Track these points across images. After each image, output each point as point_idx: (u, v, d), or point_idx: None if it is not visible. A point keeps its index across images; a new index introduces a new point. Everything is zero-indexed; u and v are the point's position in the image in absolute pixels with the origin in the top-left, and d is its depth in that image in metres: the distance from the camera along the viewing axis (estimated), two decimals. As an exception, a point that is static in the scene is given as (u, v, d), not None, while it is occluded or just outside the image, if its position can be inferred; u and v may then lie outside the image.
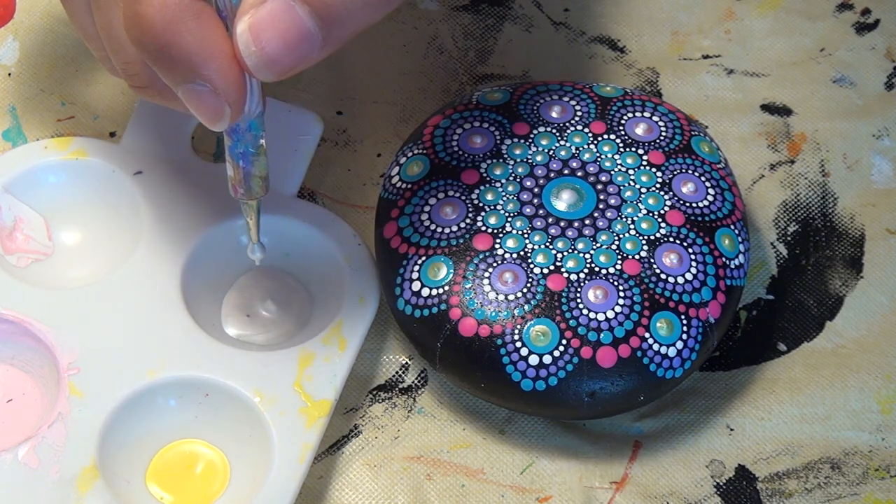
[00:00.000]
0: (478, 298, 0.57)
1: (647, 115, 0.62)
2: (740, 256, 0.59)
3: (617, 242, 0.58)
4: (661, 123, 0.61)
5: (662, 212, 0.59)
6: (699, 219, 0.59)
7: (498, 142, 0.61)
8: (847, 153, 0.66)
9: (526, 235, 0.58)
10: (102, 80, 0.67)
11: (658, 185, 0.60)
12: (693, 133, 0.62)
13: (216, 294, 0.61)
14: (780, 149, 0.66)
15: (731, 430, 0.61)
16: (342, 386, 0.58)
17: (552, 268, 0.58)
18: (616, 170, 0.60)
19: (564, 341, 0.57)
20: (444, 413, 0.61)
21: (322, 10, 0.49)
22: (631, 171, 0.60)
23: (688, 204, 0.60)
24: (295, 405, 0.58)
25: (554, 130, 0.61)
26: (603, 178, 0.60)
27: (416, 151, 0.61)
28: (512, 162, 0.60)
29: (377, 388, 0.61)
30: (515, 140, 0.61)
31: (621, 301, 0.57)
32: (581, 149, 0.61)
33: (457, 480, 0.59)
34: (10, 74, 0.67)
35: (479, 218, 0.59)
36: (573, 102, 0.62)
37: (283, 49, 0.49)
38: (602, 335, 0.57)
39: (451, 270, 0.58)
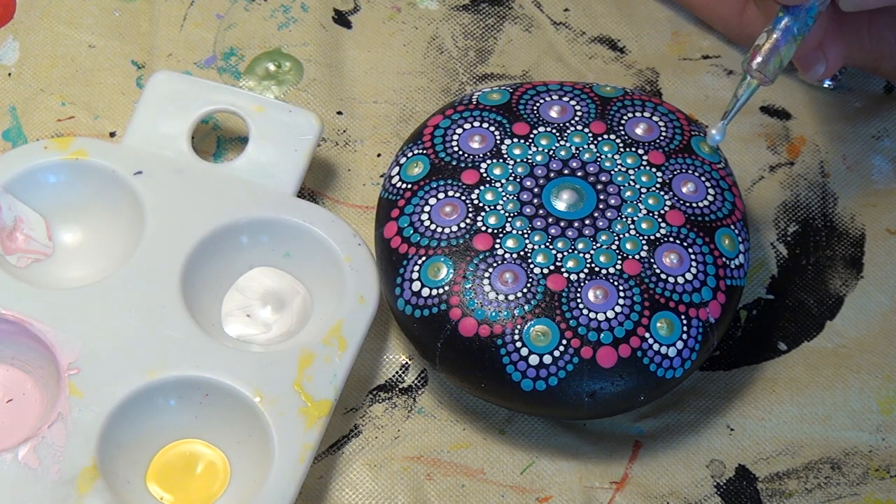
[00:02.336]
0: (478, 298, 0.57)
1: (647, 115, 0.62)
2: (740, 256, 0.59)
3: (617, 242, 0.58)
4: (661, 123, 0.61)
5: (662, 212, 0.59)
6: (699, 219, 0.59)
7: (498, 142, 0.61)
8: (847, 154, 0.66)
9: (526, 235, 0.58)
10: (102, 80, 0.67)
11: (658, 185, 0.60)
12: (693, 133, 0.62)
13: (216, 294, 0.61)
14: (780, 151, 0.66)
15: (731, 430, 0.61)
16: (342, 386, 0.58)
17: (552, 268, 0.58)
18: (616, 170, 0.60)
19: (564, 341, 0.57)
20: (444, 413, 0.61)
21: None
22: (631, 171, 0.60)
23: (688, 204, 0.60)
24: (295, 405, 0.58)
25: (554, 130, 0.61)
26: (603, 178, 0.60)
27: (416, 151, 0.61)
28: (512, 162, 0.60)
29: (377, 388, 0.61)
30: (515, 140, 0.61)
31: (621, 301, 0.57)
32: (581, 149, 0.61)
33: (457, 480, 0.59)
34: (10, 74, 0.67)
35: (479, 218, 0.59)
36: (573, 102, 0.62)
37: None
38: (602, 335, 0.57)
39: (451, 270, 0.58)
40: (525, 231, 0.59)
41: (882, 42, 0.64)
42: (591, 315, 0.57)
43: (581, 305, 0.57)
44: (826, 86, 0.66)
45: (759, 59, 0.57)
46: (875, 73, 0.67)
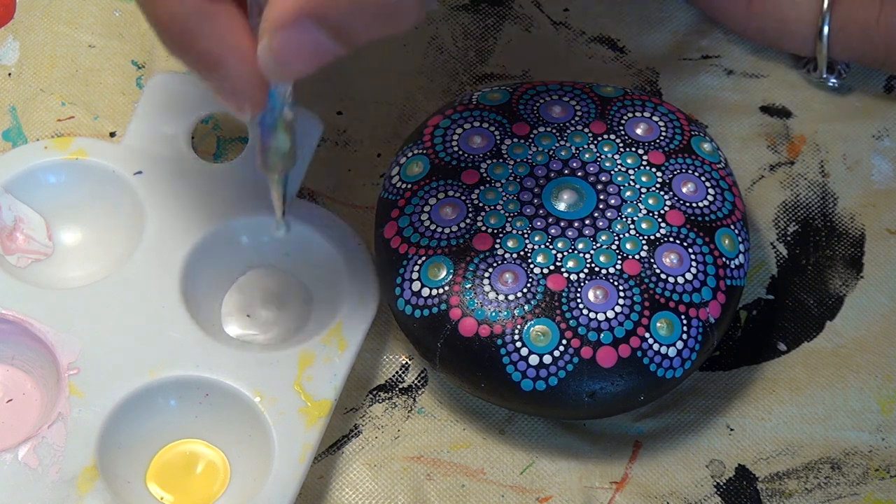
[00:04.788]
0: (478, 298, 0.57)
1: (647, 115, 0.62)
2: (740, 256, 0.59)
3: (617, 242, 0.58)
4: (661, 123, 0.61)
5: (662, 212, 0.59)
6: (699, 219, 0.59)
7: (498, 142, 0.61)
8: (847, 154, 0.66)
9: (526, 235, 0.58)
10: (102, 80, 0.67)
11: (658, 185, 0.60)
12: (693, 133, 0.62)
13: (216, 294, 0.61)
14: (780, 150, 0.66)
15: (731, 430, 0.61)
16: (342, 386, 0.58)
17: (552, 268, 0.58)
18: (616, 170, 0.60)
19: (564, 341, 0.57)
20: (444, 413, 0.61)
21: (341, 30, 0.50)
22: (631, 171, 0.60)
23: (688, 204, 0.60)
24: (295, 405, 0.58)
25: (554, 130, 0.61)
26: (603, 178, 0.60)
27: (416, 151, 0.61)
28: (512, 162, 0.60)
29: (377, 388, 0.61)
30: (515, 140, 0.61)
31: (621, 301, 0.57)
32: (581, 149, 0.61)
33: (457, 480, 0.59)
34: (10, 74, 0.67)
35: (479, 218, 0.59)
36: (573, 102, 0.62)
37: (301, 63, 0.50)
38: (602, 335, 0.57)
39: (451, 270, 0.58)
40: (525, 231, 0.59)
41: (891, 36, 0.63)
42: (591, 315, 0.57)
43: (581, 305, 0.57)
44: (830, 84, 0.66)
45: (259, 161, 0.55)
46: (883, 69, 0.66)
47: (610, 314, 0.57)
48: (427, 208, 0.59)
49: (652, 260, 0.58)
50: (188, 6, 0.50)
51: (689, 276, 0.58)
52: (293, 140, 0.54)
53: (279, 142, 0.54)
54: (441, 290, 0.58)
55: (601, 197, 0.59)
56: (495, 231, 0.59)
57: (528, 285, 0.57)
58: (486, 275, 0.58)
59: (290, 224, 0.58)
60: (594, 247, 0.58)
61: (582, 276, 0.58)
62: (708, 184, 0.60)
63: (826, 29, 0.65)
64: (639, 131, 0.61)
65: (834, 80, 0.67)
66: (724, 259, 0.59)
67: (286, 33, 0.49)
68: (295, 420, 0.57)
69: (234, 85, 0.51)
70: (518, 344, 0.57)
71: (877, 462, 0.60)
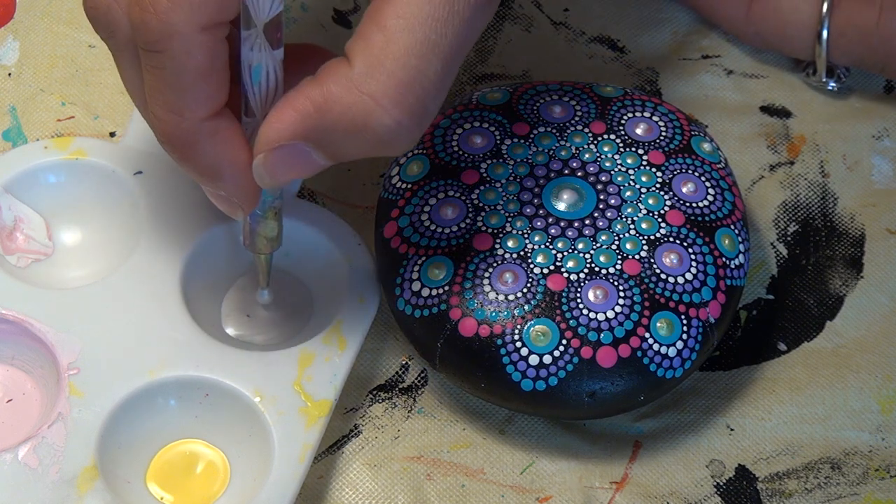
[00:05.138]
0: (478, 298, 0.57)
1: (647, 115, 0.62)
2: (740, 256, 0.59)
3: (617, 242, 0.58)
4: (661, 123, 0.61)
5: (662, 212, 0.59)
6: (699, 219, 0.59)
7: (498, 142, 0.61)
8: (847, 154, 0.66)
9: (526, 235, 0.58)
10: (102, 80, 0.67)
11: (658, 185, 0.60)
12: (693, 133, 0.62)
13: (216, 294, 0.61)
14: (780, 150, 0.66)
15: (731, 430, 0.61)
16: (342, 386, 0.58)
17: (552, 268, 0.58)
18: (616, 170, 0.60)
19: (564, 341, 0.57)
20: (444, 413, 0.61)
21: (333, 152, 0.52)
22: (631, 171, 0.60)
23: (688, 204, 0.60)
24: (295, 405, 0.58)
25: (554, 130, 0.61)
26: (603, 178, 0.60)
27: (416, 151, 0.61)
28: (512, 162, 0.60)
29: (377, 388, 0.61)
30: (515, 140, 0.61)
31: (621, 301, 0.57)
32: (581, 149, 0.61)
33: (457, 480, 0.59)
34: (10, 74, 0.67)
35: (480, 218, 0.59)
36: (573, 102, 0.62)
37: (292, 176, 0.53)
38: (602, 335, 0.57)
39: (451, 270, 0.58)
40: (525, 231, 0.59)
41: (890, 42, 0.64)
42: (591, 315, 0.57)
43: (581, 305, 0.57)
44: (830, 88, 0.66)
45: (247, 242, 0.57)
46: (882, 74, 0.67)
47: (610, 314, 0.57)
48: (427, 208, 0.59)
49: (652, 260, 0.58)
50: (188, 124, 0.51)
51: (689, 276, 0.58)
52: (280, 225, 0.57)
53: (267, 230, 0.56)
54: (441, 290, 0.58)
55: (601, 197, 0.59)
56: (495, 231, 0.59)
57: (528, 285, 0.57)
58: (486, 275, 0.58)
59: (272, 295, 0.60)
60: (594, 247, 0.58)
61: (582, 276, 0.58)
62: (708, 184, 0.60)
63: (825, 34, 0.65)
64: (639, 131, 0.61)
65: (833, 84, 0.67)
66: (724, 259, 0.59)
67: (280, 152, 0.51)
68: (295, 420, 0.57)
69: (231, 194, 0.54)
70: (518, 344, 0.57)
71: (877, 462, 0.60)
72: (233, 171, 0.53)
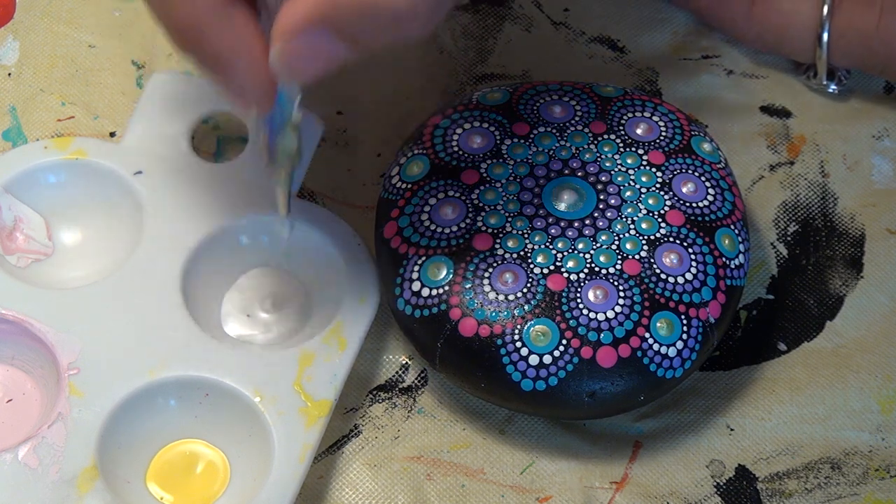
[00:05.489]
0: (478, 298, 0.57)
1: (647, 115, 0.62)
2: (740, 256, 0.59)
3: (617, 242, 0.58)
4: (661, 123, 0.61)
5: (662, 212, 0.59)
6: (699, 219, 0.59)
7: (498, 142, 0.61)
8: (847, 154, 0.66)
9: (526, 235, 0.58)
10: (102, 80, 0.67)
11: (658, 185, 0.60)
12: (693, 133, 0.62)
13: (216, 294, 0.61)
14: (780, 150, 0.66)
15: (731, 430, 0.61)
16: (342, 386, 0.58)
17: (552, 268, 0.58)
18: (616, 170, 0.60)
19: (564, 341, 0.57)
20: (444, 413, 0.61)
21: (352, 36, 0.50)
22: (631, 171, 0.60)
23: (688, 204, 0.60)
24: (295, 405, 0.58)
25: (554, 130, 0.61)
26: (603, 178, 0.60)
27: (416, 151, 0.61)
28: (512, 162, 0.60)
29: (377, 388, 0.61)
30: (515, 140, 0.61)
31: (621, 301, 0.57)
32: (581, 149, 0.61)
33: (457, 480, 0.59)
34: (10, 74, 0.67)
35: (480, 218, 0.59)
36: (573, 102, 0.62)
37: (312, 67, 0.51)
38: (602, 335, 0.57)
39: (451, 270, 0.58)
40: (525, 231, 0.59)
41: (890, 44, 0.64)
42: (591, 315, 0.57)
43: (581, 305, 0.57)
44: (831, 90, 0.66)
45: (266, 160, 0.56)
46: (882, 76, 0.67)
47: (610, 314, 0.57)
48: (427, 208, 0.59)
49: (652, 260, 0.58)
50: (201, 6, 0.50)
51: (689, 276, 0.58)
52: (300, 140, 0.55)
53: (287, 141, 0.55)
54: (441, 290, 0.58)
55: (601, 197, 0.59)
56: (495, 231, 0.59)
57: (528, 285, 0.57)
58: (486, 275, 0.58)
59: (293, 224, 0.58)
60: (594, 247, 0.58)
61: (582, 276, 0.58)
62: (708, 184, 0.60)
63: (826, 36, 0.65)
64: (639, 131, 0.61)
65: (834, 87, 0.67)
66: (724, 259, 0.59)
67: (298, 38, 0.50)
68: (295, 420, 0.57)
69: (243, 85, 0.52)
70: (518, 344, 0.57)
71: (877, 462, 0.60)
72: (247, 60, 0.51)
